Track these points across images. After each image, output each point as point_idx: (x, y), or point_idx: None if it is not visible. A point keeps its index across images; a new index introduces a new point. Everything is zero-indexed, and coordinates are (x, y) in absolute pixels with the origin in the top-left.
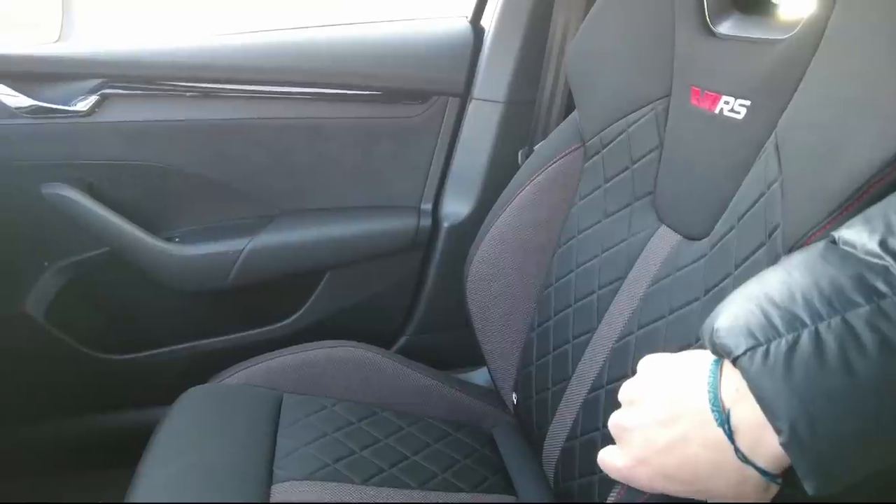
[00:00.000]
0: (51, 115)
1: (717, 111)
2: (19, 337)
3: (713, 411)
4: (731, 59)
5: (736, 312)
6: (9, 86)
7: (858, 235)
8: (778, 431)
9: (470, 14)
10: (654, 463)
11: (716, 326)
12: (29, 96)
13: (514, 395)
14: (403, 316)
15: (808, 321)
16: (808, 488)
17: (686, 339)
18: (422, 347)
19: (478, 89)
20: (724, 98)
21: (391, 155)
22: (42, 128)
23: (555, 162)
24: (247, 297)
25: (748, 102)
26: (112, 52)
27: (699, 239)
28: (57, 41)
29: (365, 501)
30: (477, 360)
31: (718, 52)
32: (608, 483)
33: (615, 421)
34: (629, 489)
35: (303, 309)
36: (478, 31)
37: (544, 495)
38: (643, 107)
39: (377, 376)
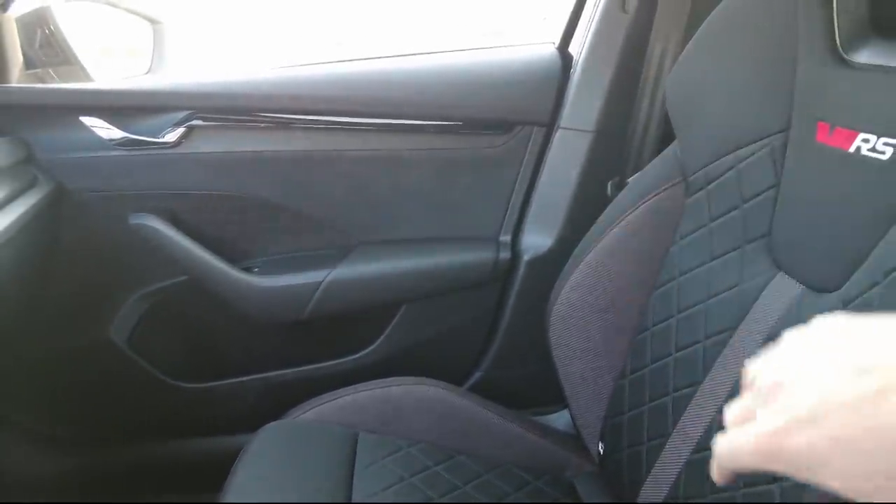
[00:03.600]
0: (140, 147)
1: (852, 150)
2: (103, 362)
3: None
4: (871, 91)
5: None
6: (103, 118)
7: None
8: None
9: (558, 40)
10: (831, 423)
11: None
12: (120, 128)
13: (599, 445)
14: (479, 351)
15: None
16: None
17: None
18: (497, 384)
19: (565, 118)
20: (863, 136)
21: (471, 185)
22: (131, 159)
23: (653, 197)
24: (323, 329)
25: (895, 141)
26: (198, 85)
27: (827, 292)
28: (147, 72)
29: None
30: (556, 399)
31: (853, 84)
32: None
33: (762, 369)
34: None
35: (378, 341)
36: (566, 57)
37: None
38: (756, 141)
39: (455, 417)
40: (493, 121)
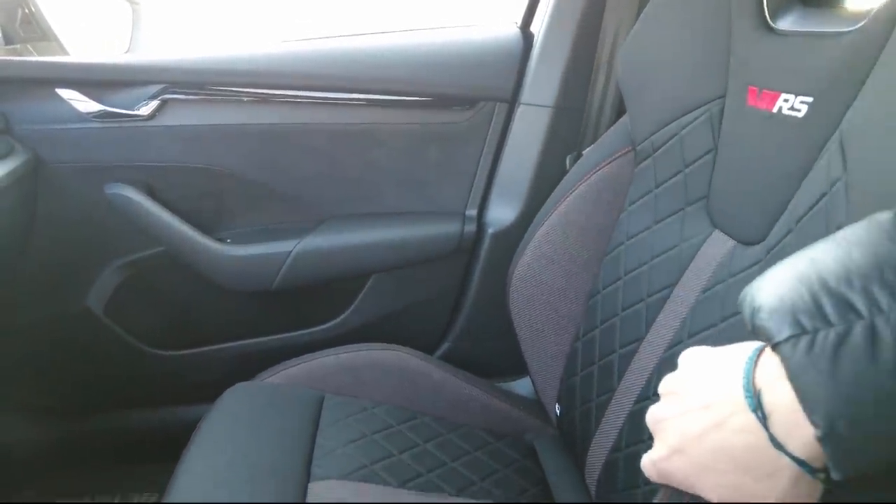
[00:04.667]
0: (116, 119)
1: (775, 110)
2: (81, 331)
3: (746, 395)
4: (792, 55)
5: (782, 293)
6: (81, 91)
7: None
8: (815, 426)
9: (520, 20)
10: (690, 452)
11: (758, 304)
12: (96, 101)
13: (556, 407)
14: (446, 322)
15: (864, 312)
16: (835, 475)
17: None
18: (463, 354)
19: (526, 94)
20: (784, 96)
21: (437, 161)
22: (107, 131)
23: (603, 166)
24: (293, 299)
25: (810, 99)
26: (172, 60)
27: (755, 244)
28: (126, 52)
29: None
30: (520, 369)
31: (778, 49)
32: (650, 495)
33: (653, 413)
34: (671, 495)
35: (347, 312)
36: (527, 36)
37: None
38: (696, 108)
39: (419, 381)
40: (457, 97)
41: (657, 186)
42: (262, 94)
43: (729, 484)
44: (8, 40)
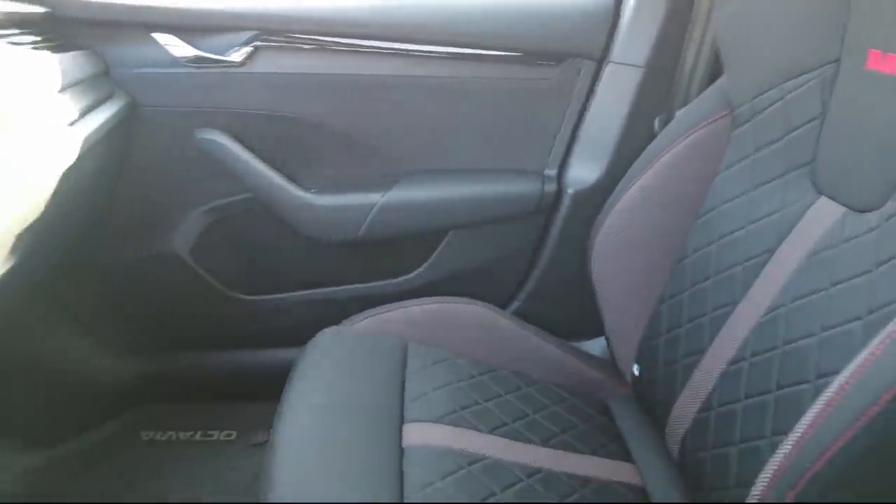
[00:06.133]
0: (208, 65)
1: None
2: (167, 273)
3: None
4: None
5: None
6: (177, 36)
7: None
8: None
9: None
10: None
11: None
12: (192, 46)
13: (635, 367)
14: (520, 280)
15: None
16: None
17: (853, 311)
18: (534, 313)
19: (616, 52)
20: None
21: (519, 117)
22: (200, 76)
23: (698, 129)
24: (374, 250)
25: None
26: (265, 7)
27: (869, 211)
28: None
29: (492, 451)
30: (589, 331)
31: None
32: (751, 455)
33: None
34: (781, 478)
35: (424, 266)
36: None
37: (665, 465)
38: (806, 73)
39: (496, 335)
40: (545, 53)
41: (756, 151)
42: (350, 44)
43: None
44: None
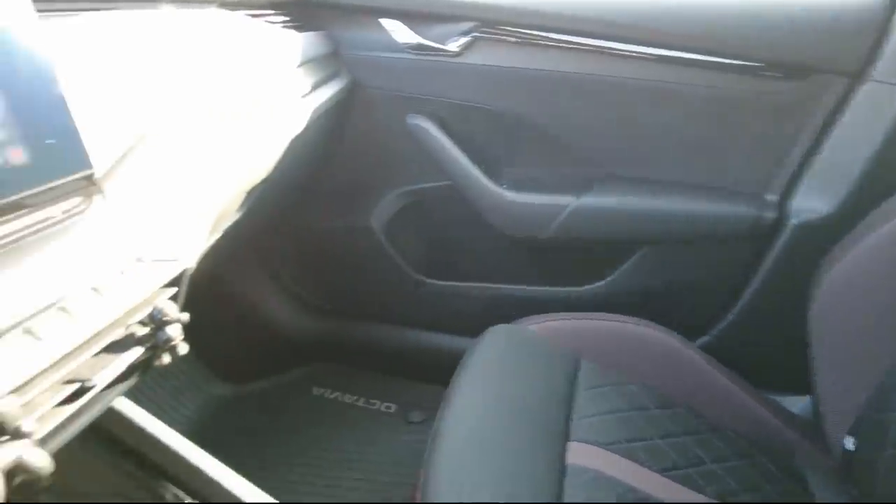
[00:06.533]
0: (427, 52)
1: None
2: (360, 246)
3: None
4: None
5: None
6: (402, 22)
7: None
8: None
9: None
10: None
11: None
12: (415, 33)
13: (848, 440)
14: (715, 312)
15: None
16: None
17: None
18: (725, 352)
19: (881, 70)
20: None
21: (741, 133)
22: (418, 63)
23: None
24: (557, 254)
25: None
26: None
27: None
28: None
29: (660, 493)
30: (790, 386)
31: None
32: None
33: None
34: None
35: (608, 278)
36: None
37: None
38: None
39: (678, 367)
40: (791, 65)
41: None
42: (565, 40)
43: None
44: None
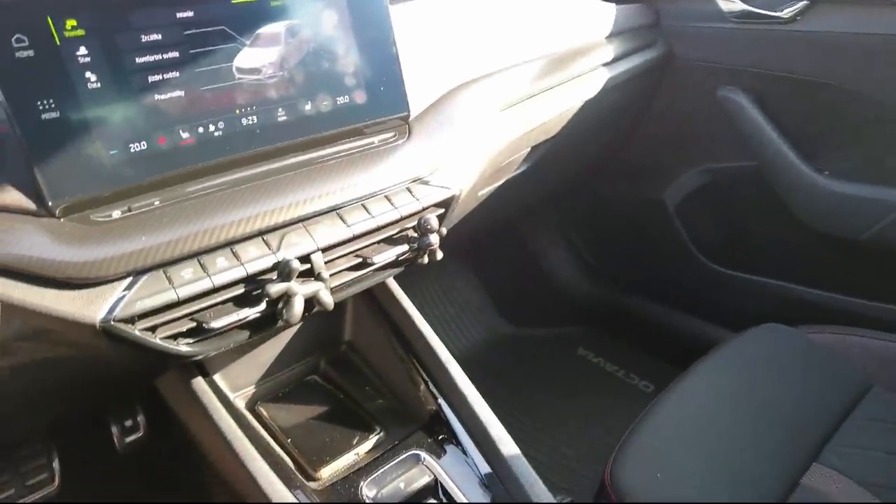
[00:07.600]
0: (754, 21)
1: None
2: (651, 220)
3: None
4: None
5: None
6: None
7: None
8: None
9: None
10: None
11: None
12: (743, 1)
13: None
14: None
15: None
16: None
17: None
18: None
19: None
20: None
21: None
22: (740, 33)
23: None
24: (865, 261)
25: None
26: None
27: None
28: None
29: None
30: None
31: None
32: None
33: None
34: None
35: None
36: None
37: None
38: None
39: None
40: None
41: None
42: None
43: None
44: None
